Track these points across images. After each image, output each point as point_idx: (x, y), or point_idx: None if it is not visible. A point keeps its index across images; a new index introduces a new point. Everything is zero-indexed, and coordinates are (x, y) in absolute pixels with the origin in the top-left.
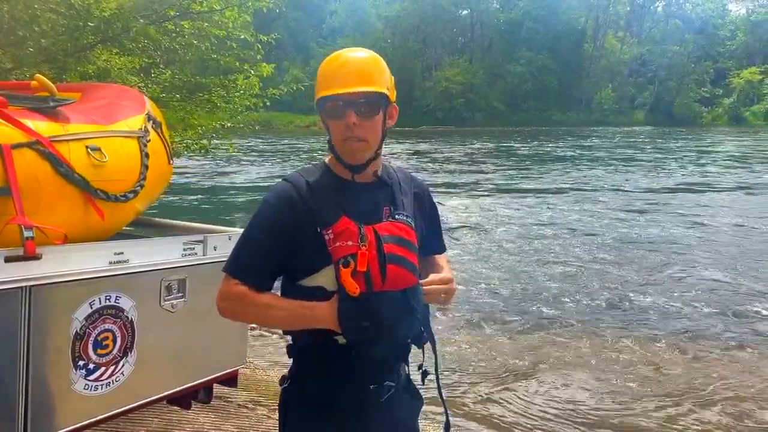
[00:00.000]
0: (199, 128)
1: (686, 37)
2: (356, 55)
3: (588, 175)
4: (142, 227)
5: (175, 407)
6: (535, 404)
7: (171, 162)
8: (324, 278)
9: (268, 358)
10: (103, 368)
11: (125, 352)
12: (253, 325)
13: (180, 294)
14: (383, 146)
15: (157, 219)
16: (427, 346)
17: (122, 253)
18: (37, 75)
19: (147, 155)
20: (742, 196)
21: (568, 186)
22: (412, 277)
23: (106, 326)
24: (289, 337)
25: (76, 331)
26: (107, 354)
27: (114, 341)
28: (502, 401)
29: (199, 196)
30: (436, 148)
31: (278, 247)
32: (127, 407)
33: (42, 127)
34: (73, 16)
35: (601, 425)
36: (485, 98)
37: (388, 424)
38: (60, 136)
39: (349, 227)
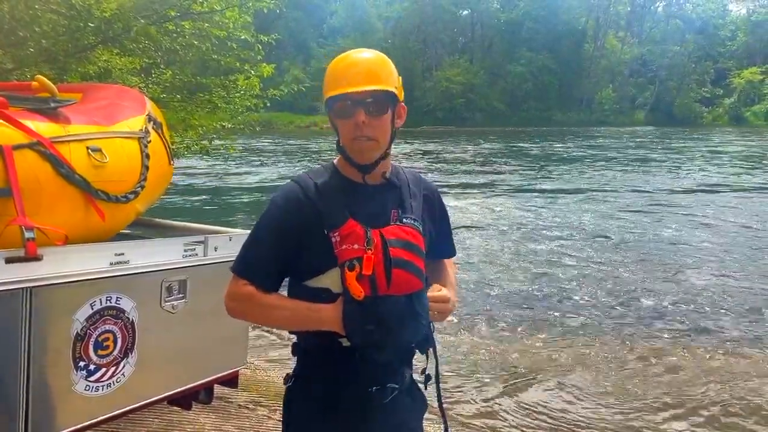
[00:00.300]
0: (199, 129)
1: (687, 37)
2: (364, 55)
3: (606, 176)
4: (143, 228)
5: (175, 408)
6: (537, 407)
7: (171, 163)
8: (330, 280)
9: (268, 359)
10: (103, 369)
11: (126, 353)
12: (254, 326)
13: (181, 295)
14: (392, 146)
15: (157, 220)
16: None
17: (123, 254)
18: (38, 76)
19: (148, 156)
20: (757, 196)
21: (585, 186)
22: (418, 282)
23: (107, 327)
24: (293, 337)
25: (77, 332)
26: (108, 355)
27: (115, 342)
28: (503, 405)
29: (200, 196)
30: (445, 148)
31: (285, 249)
32: (128, 408)
33: (43, 128)
34: (73, 16)
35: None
36: (486, 98)
37: (391, 426)
38: (61, 137)
39: (356, 230)
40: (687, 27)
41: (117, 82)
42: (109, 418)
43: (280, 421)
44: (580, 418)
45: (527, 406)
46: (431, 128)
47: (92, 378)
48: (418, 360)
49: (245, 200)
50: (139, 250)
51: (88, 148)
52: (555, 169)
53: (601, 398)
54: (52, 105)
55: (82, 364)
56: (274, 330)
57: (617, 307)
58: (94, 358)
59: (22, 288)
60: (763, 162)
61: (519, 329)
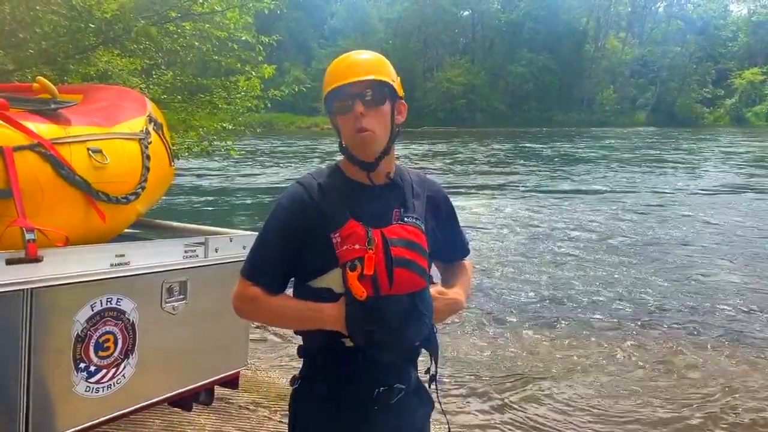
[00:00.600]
0: (200, 130)
1: (688, 37)
2: (362, 56)
3: (616, 177)
4: (144, 229)
5: (176, 409)
6: (539, 408)
7: (172, 164)
8: (332, 280)
9: (269, 360)
10: (104, 370)
11: (126, 354)
12: (254, 327)
13: (181, 296)
14: (396, 145)
15: (158, 221)
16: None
17: (123, 255)
18: (39, 77)
19: (148, 157)
20: None
21: (595, 187)
22: (421, 281)
23: (108, 328)
24: (295, 338)
25: (78, 334)
26: (108, 356)
27: (115, 343)
28: (505, 405)
29: (201, 197)
30: (453, 149)
31: (290, 250)
32: (129, 409)
33: (43, 129)
34: (74, 17)
35: None
36: (486, 99)
37: (397, 426)
38: (61, 139)
39: (357, 230)
40: (688, 27)
41: (117, 83)
42: (109, 420)
43: (280, 422)
44: (582, 419)
45: (529, 407)
46: (432, 129)
47: (93, 379)
48: (422, 360)
49: (246, 201)
50: (139, 251)
51: (88, 149)
52: (563, 170)
53: (603, 399)
54: (53, 106)
55: (82, 365)
56: (276, 331)
57: (622, 308)
58: (95, 359)
59: (23, 289)
60: None
61: (522, 329)
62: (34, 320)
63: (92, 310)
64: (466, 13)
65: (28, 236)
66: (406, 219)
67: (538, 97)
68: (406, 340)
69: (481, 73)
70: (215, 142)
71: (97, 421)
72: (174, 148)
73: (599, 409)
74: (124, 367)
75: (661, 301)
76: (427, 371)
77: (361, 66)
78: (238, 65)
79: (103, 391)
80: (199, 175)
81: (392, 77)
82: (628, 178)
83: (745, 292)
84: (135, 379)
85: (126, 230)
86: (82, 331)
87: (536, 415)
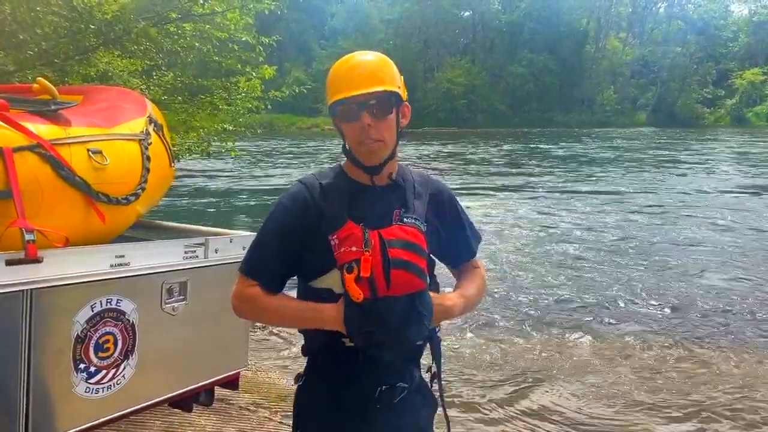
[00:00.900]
0: (201, 130)
1: (688, 38)
2: (365, 57)
3: (626, 177)
4: (144, 230)
5: (176, 410)
6: (541, 408)
7: (172, 165)
8: (332, 280)
9: (269, 361)
10: (104, 371)
11: (126, 355)
12: (255, 327)
13: (181, 297)
14: (398, 147)
15: (158, 222)
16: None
17: (123, 256)
18: (39, 78)
19: (148, 158)
20: None
21: (604, 189)
22: (419, 282)
23: (108, 329)
24: (295, 339)
25: (78, 334)
26: (108, 357)
27: (115, 344)
28: (507, 406)
29: (201, 198)
30: (459, 149)
31: (288, 251)
32: (129, 410)
33: (43, 130)
34: (74, 18)
35: None
36: (487, 99)
37: (400, 425)
38: (61, 139)
39: (354, 232)
40: (689, 28)
41: (118, 84)
42: (109, 420)
43: (281, 423)
44: (585, 420)
45: (532, 407)
46: (433, 129)
47: (93, 380)
48: (425, 359)
49: (246, 202)
50: (139, 252)
51: (88, 150)
52: (570, 170)
53: (606, 400)
54: (53, 107)
55: (82, 366)
56: (276, 331)
57: (627, 310)
58: (95, 360)
59: (23, 290)
60: None
61: (525, 330)
62: (34, 321)
63: (92, 311)
64: (466, 13)
65: (27, 237)
66: (405, 219)
67: (538, 97)
68: (405, 341)
69: (482, 74)
70: (216, 143)
71: (97, 421)
72: (174, 149)
73: (602, 410)
74: (124, 368)
75: (669, 303)
76: (429, 370)
77: (366, 73)
78: (239, 66)
79: (103, 391)
80: (199, 176)
81: (398, 83)
82: (639, 178)
83: (752, 294)
84: (135, 379)
85: (126, 231)
86: (82, 331)
87: (539, 415)
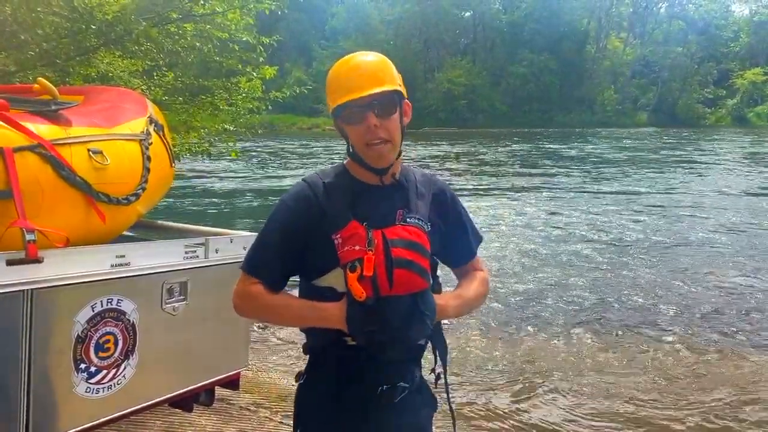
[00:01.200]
0: (201, 131)
1: (689, 38)
2: (365, 58)
3: (643, 178)
4: (144, 230)
5: (177, 410)
6: (546, 410)
7: (173, 165)
8: (334, 279)
9: (270, 361)
10: (104, 371)
11: (127, 355)
12: (254, 328)
13: (182, 297)
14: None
15: (158, 222)
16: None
17: (124, 256)
18: (40, 78)
19: (149, 158)
20: None
21: (613, 189)
22: (422, 282)
23: (108, 329)
24: (296, 339)
25: (78, 334)
26: (109, 357)
27: (116, 344)
28: (508, 406)
29: (201, 198)
30: (468, 149)
31: (291, 251)
32: (129, 410)
33: (44, 130)
34: (75, 19)
35: None
36: (488, 99)
37: (398, 425)
38: (62, 140)
39: (358, 232)
40: (689, 28)
41: (119, 85)
42: (109, 420)
43: (281, 423)
44: (586, 420)
45: (535, 407)
46: (433, 130)
47: (93, 380)
48: (427, 359)
49: (247, 202)
50: (140, 252)
51: (89, 150)
52: (574, 170)
53: (608, 401)
54: (54, 107)
55: (83, 366)
56: (277, 331)
57: (632, 310)
58: (95, 360)
59: (23, 290)
60: None
61: (529, 330)
62: (35, 321)
63: (93, 311)
64: (467, 13)
65: (28, 237)
66: (408, 219)
67: (539, 97)
68: (407, 341)
69: (482, 74)
70: (217, 144)
71: (97, 421)
72: (175, 149)
73: (605, 411)
74: (125, 368)
75: (674, 303)
76: (432, 371)
77: (368, 74)
78: (240, 66)
79: (103, 391)
80: (199, 177)
81: (398, 81)
82: (647, 178)
83: (757, 295)
84: (135, 379)
85: (126, 231)
86: (82, 331)
87: (541, 415)
